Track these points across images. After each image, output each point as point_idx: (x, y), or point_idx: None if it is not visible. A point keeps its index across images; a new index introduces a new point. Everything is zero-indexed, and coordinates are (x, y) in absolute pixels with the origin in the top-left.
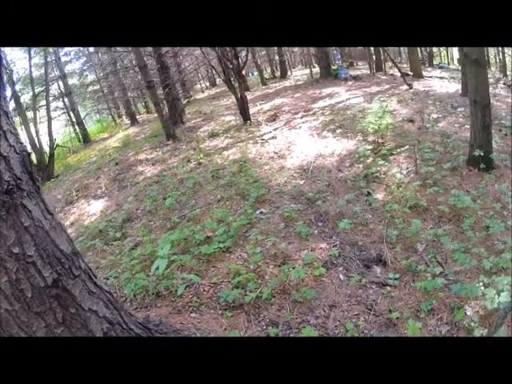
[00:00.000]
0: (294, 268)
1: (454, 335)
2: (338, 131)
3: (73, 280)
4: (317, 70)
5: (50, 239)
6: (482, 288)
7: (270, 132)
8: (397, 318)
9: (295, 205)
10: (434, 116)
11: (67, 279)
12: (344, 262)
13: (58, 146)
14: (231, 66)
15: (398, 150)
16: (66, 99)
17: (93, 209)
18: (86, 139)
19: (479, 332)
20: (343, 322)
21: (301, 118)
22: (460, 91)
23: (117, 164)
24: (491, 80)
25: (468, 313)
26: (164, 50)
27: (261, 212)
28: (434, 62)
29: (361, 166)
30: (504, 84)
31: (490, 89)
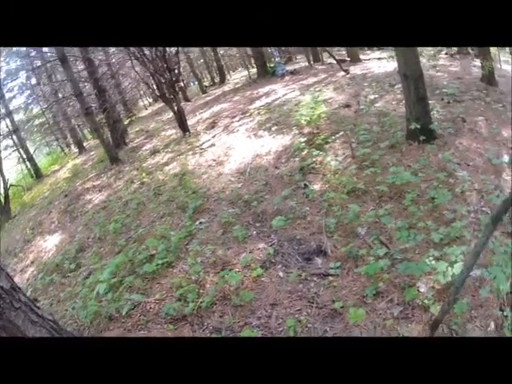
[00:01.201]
0: (228, 274)
1: (409, 315)
2: (273, 128)
3: (15, 312)
4: (255, 70)
5: None
6: (433, 262)
7: (209, 140)
8: (341, 308)
9: (233, 209)
10: (371, 97)
11: (10, 311)
12: (283, 258)
13: (11, 185)
14: (164, 81)
15: (333, 138)
16: (14, 136)
17: (49, 244)
18: (38, 174)
19: (436, 308)
20: (286, 319)
21: (238, 120)
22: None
23: (66, 196)
24: (431, 52)
25: (422, 290)
26: (100, 72)
27: (200, 222)
28: None
29: (297, 159)
30: (446, 54)
31: (430, 60)
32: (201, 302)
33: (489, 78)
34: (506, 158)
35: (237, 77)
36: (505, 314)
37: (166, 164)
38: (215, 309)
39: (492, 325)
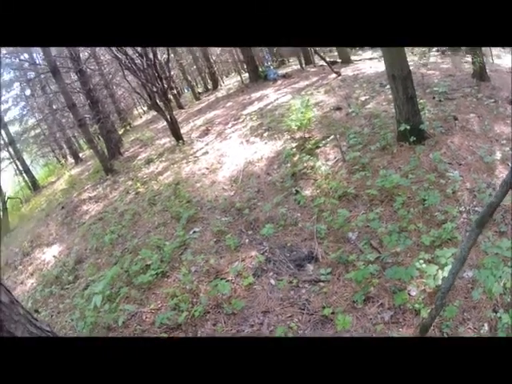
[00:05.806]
0: (220, 282)
1: (400, 319)
2: (265, 134)
3: (14, 324)
4: (248, 75)
5: None
6: (424, 265)
7: (203, 148)
8: (332, 313)
9: (226, 218)
10: (362, 99)
11: (9, 324)
12: (274, 266)
13: (9, 198)
14: (155, 90)
15: (324, 142)
16: (10, 148)
17: (47, 256)
18: (35, 186)
19: (426, 312)
20: (277, 326)
21: (231, 127)
22: None
23: (63, 208)
24: (422, 49)
25: (413, 293)
26: (93, 83)
27: (194, 231)
28: None
29: (288, 165)
30: (437, 51)
31: (421, 59)
32: (194, 311)
33: (480, 74)
34: (498, 155)
35: (230, 82)
36: (498, 315)
37: (161, 173)
38: (208, 317)
39: (486, 326)
